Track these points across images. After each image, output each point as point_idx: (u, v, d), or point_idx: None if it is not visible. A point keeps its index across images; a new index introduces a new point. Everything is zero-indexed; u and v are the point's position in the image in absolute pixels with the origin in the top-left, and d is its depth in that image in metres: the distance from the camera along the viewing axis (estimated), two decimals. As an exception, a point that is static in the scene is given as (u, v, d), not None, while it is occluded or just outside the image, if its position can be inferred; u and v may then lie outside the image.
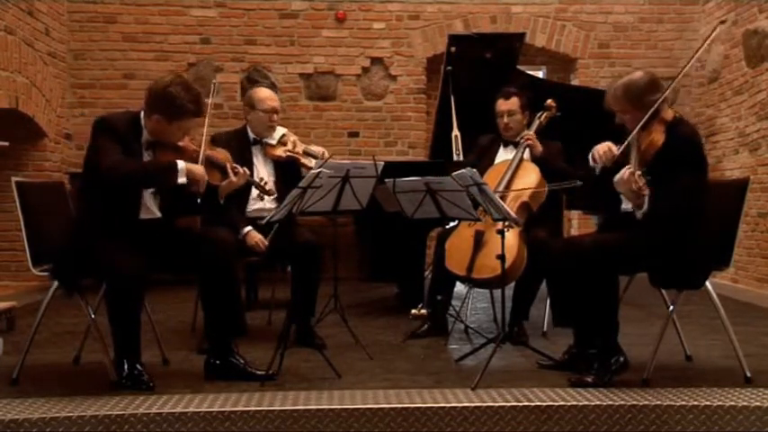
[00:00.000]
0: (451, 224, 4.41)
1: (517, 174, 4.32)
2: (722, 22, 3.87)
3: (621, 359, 3.36)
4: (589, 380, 3.32)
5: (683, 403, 3.07)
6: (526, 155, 4.43)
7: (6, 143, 5.64)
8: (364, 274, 6.93)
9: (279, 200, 4.24)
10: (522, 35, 5.98)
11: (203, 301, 3.52)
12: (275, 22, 7.47)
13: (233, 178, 3.66)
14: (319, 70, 7.53)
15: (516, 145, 4.49)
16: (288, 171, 4.31)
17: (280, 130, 4.41)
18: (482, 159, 4.58)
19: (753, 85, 6.39)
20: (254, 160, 4.32)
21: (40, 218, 3.56)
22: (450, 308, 4.54)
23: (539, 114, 4.58)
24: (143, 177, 3.39)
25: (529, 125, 4.55)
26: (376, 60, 7.57)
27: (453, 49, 5.29)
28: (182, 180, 3.35)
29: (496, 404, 3.05)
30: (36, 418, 2.90)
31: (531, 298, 4.35)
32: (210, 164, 3.66)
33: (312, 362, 3.75)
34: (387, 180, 3.85)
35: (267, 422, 2.98)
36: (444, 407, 3.05)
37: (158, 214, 3.55)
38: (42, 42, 6.54)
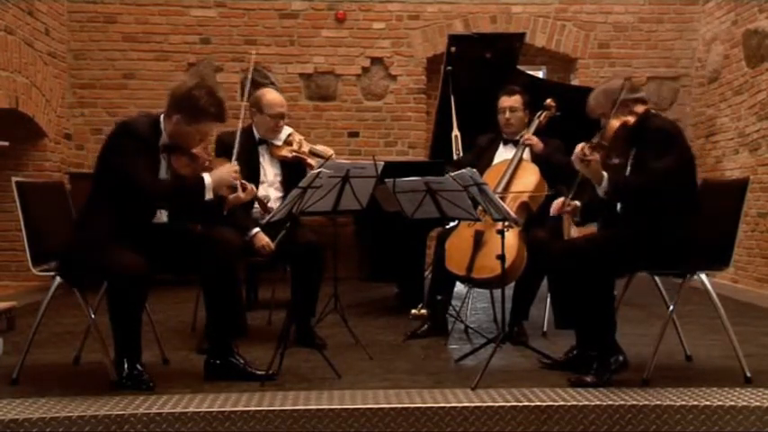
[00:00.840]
0: (451, 224, 4.41)
1: (516, 174, 4.32)
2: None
3: (621, 358, 3.37)
4: (588, 379, 3.32)
5: (683, 403, 3.07)
6: (526, 155, 4.43)
7: (6, 143, 5.64)
8: (364, 274, 6.92)
9: (284, 200, 4.24)
10: (522, 35, 5.98)
11: (206, 301, 3.51)
12: (275, 22, 7.48)
13: (241, 194, 3.63)
14: (319, 70, 7.54)
15: (516, 143, 4.50)
16: (294, 171, 4.31)
17: (285, 130, 4.41)
18: (481, 158, 4.58)
19: (753, 85, 6.39)
20: (261, 160, 4.32)
21: (39, 218, 3.55)
22: (450, 308, 4.54)
23: (538, 114, 4.59)
24: (173, 198, 3.42)
25: (528, 125, 4.55)
26: (376, 60, 7.57)
27: (453, 49, 5.29)
28: (209, 196, 3.36)
29: (496, 404, 3.05)
30: (36, 418, 2.90)
31: (531, 298, 4.36)
32: None
33: (312, 362, 3.75)
34: (387, 180, 3.85)
35: (267, 422, 2.98)
36: (444, 407, 3.05)
37: (165, 219, 3.56)
38: (42, 42, 6.54)
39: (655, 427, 3.04)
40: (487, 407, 3.04)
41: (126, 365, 3.32)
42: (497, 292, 4.15)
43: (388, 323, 4.94)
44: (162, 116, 3.49)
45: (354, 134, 7.59)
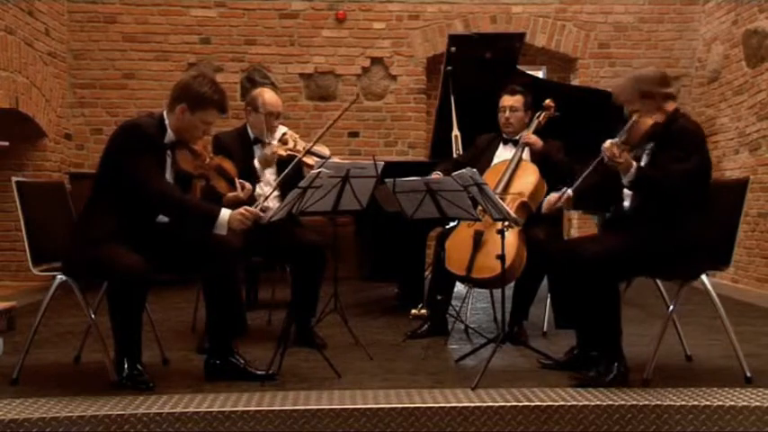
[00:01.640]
0: (451, 224, 4.41)
1: (516, 174, 4.32)
2: None
3: (622, 369, 3.36)
4: (592, 374, 3.33)
5: (683, 403, 3.06)
6: (525, 155, 4.43)
7: (6, 143, 5.65)
8: (364, 274, 6.93)
9: (282, 198, 4.24)
10: (522, 35, 5.98)
11: (206, 301, 3.51)
12: (275, 22, 7.48)
13: (240, 193, 3.65)
14: (319, 70, 7.54)
15: (515, 143, 4.50)
16: (289, 170, 4.30)
17: (280, 129, 4.41)
18: (480, 158, 4.58)
19: (753, 85, 6.39)
20: (256, 159, 4.32)
21: (40, 218, 3.55)
22: (450, 308, 4.54)
23: (537, 114, 4.59)
24: (181, 214, 3.44)
25: (528, 125, 4.56)
26: (376, 60, 7.57)
27: (453, 49, 5.29)
28: (219, 232, 3.37)
29: (496, 404, 3.05)
30: (36, 418, 2.90)
31: (531, 298, 4.35)
32: (220, 173, 3.68)
33: (312, 362, 3.75)
34: (387, 180, 3.85)
35: (267, 422, 2.98)
36: (444, 407, 3.05)
37: (166, 219, 3.56)
38: (42, 42, 6.54)
39: (655, 427, 3.04)
40: (487, 407, 3.04)
41: (126, 365, 3.32)
42: (497, 292, 4.15)
43: (388, 323, 4.94)
44: (165, 113, 3.51)
45: (354, 134, 7.59)
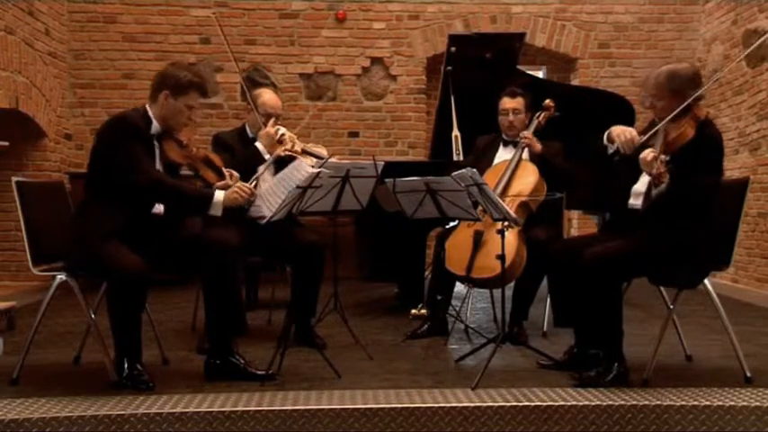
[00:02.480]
0: (451, 224, 4.41)
1: (516, 174, 4.32)
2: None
3: (623, 369, 3.36)
4: (592, 374, 3.33)
5: (683, 403, 3.07)
6: (525, 155, 4.43)
7: (6, 143, 5.64)
8: (364, 274, 6.93)
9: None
10: (522, 35, 5.98)
11: (205, 301, 3.52)
12: (275, 22, 7.48)
13: (229, 181, 3.67)
14: (319, 70, 7.54)
15: (516, 144, 4.50)
16: None
17: (279, 130, 4.40)
18: (481, 159, 4.58)
19: (753, 85, 6.39)
20: (271, 158, 4.31)
21: (40, 218, 3.56)
22: (450, 308, 4.54)
23: (537, 114, 4.59)
24: (175, 199, 3.49)
25: (528, 125, 4.56)
26: (376, 60, 7.57)
27: (453, 49, 5.29)
28: (214, 212, 3.46)
29: (496, 404, 3.05)
30: (36, 418, 2.90)
31: (531, 298, 4.35)
32: (207, 163, 3.73)
33: (312, 362, 3.75)
34: (387, 180, 3.85)
35: (267, 422, 2.98)
36: (444, 407, 3.05)
37: (161, 210, 3.58)
38: (42, 42, 6.54)
39: (655, 427, 3.04)
40: (487, 407, 3.04)
41: (126, 365, 3.32)
42: (497, 292, 4.15)
43: (388, 323, 4.94)
44: (147, 105, 3.56)
45: (354, 134, 7.59)
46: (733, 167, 6.61)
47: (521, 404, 3.06)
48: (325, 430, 3.00)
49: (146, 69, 7.28)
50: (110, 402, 3.06)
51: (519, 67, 5.43)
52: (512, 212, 3.68)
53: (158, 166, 3.56)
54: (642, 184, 3.47)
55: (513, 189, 4.24)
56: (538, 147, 4.40)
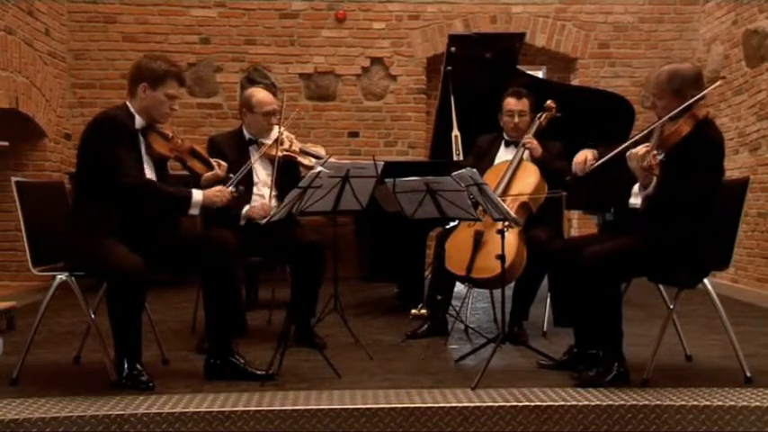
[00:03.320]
0: (451, 224, 4.41)
1: (516, 175, 4.32)
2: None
3: (623, 369, 3.36)
4: (592, 374, 3.33)
5: (683, 403, 3.07)
6: (526, 155, 4.43)
7: (6, 143, 5.64)
8: (364, 274, 6.92)
9: (280, 198, 4.24)
10: (522, 35, 5.97)
11: (205, 302, 3.52)
12: (275, 22, 7.48)
13: (218, 170, 3.71)
14: (319, 70, 7.54)
15: (517, 144, 4.50)
16: (285, 170, 4.31)
17: (276, 130, 4.40)
18: (482, 159, 4.58)
19: (753, 85, 6.39)
20: (252, 160, 4.31)
21: (40, 218, 3.56)
22: (450, 308, 4.54)
23: (538, 115, 4.59)
24: (154, 200, 3.46)
25: (529, 126, 4.55)
26: (376, 60, 7.57)
27: (453, 49, 5.29)
28: (193, 212, 3.48)
29: (496, 404, 3.05)
30: (36, 418, 2.90)
31: (531, 298, 4.35)
32: (194, 154, 3.75)
33: (312, 362, 3.75)
34: (387, 180, 3.85)
35: (267, 422, 2.98)
36: (444, 407, 3.05)
37: None
38: (42, 42, 6.54)
39: (655, 427, 3.04)
40: (487, 407, 3.04)
41: (126, 365, 3.32)
42: (497, 292, 4.15)
43: (388, 323, 4.94)
44: (127, 102, 3.56)
45: (354, 134, 7.59)
46: (733, 167, 6.61)
47: (521, 404, 3.06)
48: (325, 430, 3.00)
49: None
50: (110, 402, 3.06)
51: (519, 67, 5.43)
52: (512, 213, 3.68)
53: (145, 160, 3.55)
54: (634, 198, 3.48)
55: (514, 189, 4.24)
56: (539, 151, 4.40)
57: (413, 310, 4.83)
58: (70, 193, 4.06)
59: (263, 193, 4.29)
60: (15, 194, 3.50)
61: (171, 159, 3.70)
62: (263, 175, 4.32)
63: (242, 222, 4.07)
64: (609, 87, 6.58)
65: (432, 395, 3.20)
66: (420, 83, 7.62)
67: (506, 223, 3.62)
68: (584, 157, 3.56)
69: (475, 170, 3.54)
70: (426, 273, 5.20)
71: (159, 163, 3.64)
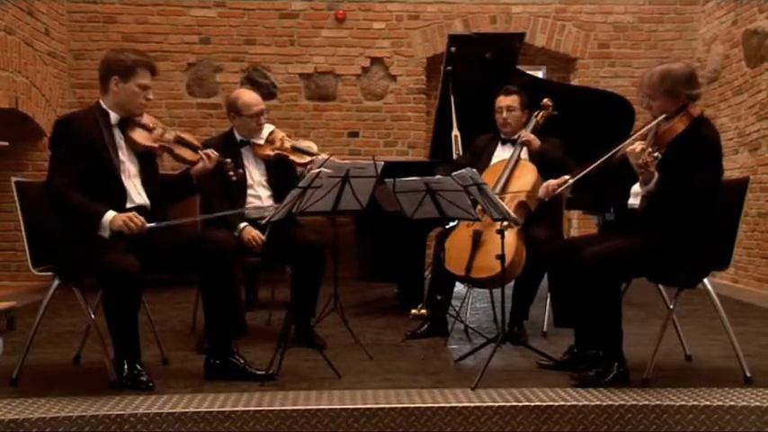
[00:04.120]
0: (451, 224, 4.41)
1: (514, 174, 4.32)
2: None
3: (623, 369, 3.36)
4: (592, 374, 3.33)
5: (683, 403, 3.07)
6: (524, 154, 4.44)
7: (6, 143, 5.64)
8: (364, 274, 6.93)
9: (275, 198, 4.24)
10: (522, 35, 5.98)
11: (204, 302, 3.52)
12: (275, 22, 7.48)
13: (207, 162, 3.65)
14: (319, 70, 7.54)
15: (514, 143, 4.50)
16: (279, 169, 4.32)
17: (267, 128, 4.39)
18: (479, 158, 4.58)
19: (753, 85, 6.39)
20: (245, 162, 4.30)
21: (40, 218, 3.55)
22: (450, 308, 4.54)
23: (535, 114, 4.60)
24: (73, 213, 3.34)
25: (526, 125, 4.56)
26: (376, 60, 7.57)
27: (453, 49, 5.29)
28: (103, 234, 3.31)
29: (496, 404, 3.05)
30: (36, 418, 2.90)
31: (531, 297, 4.35)
32: (181, 142, 3.67)
33: (312, 362, 3.75)
34: (387, 180, 3.85)
35: (267, 422, 2.98)
36: (444, 407, 3.05)
37: (146, 201, 3.53)
38: (42, 42, 6.54)
39: (655, 427, 3.04)
40: (487, 407, 3.04)
41: (126, 365, 3.32)
42: (497, 292, 4.15)
43: (388, 323, 4.94)
44: (100, 99, 3.54)
45: (354, 134, 7.59)
46: (733, 167, 6.61)
47: (521, 404, 3.05)
48: (325, 430, 3.00)
49: (146, 69, 7.26)
50: (110, 402, 3.06)
51: (519, 67, 5.43)
52: (511, 212, 3.68)
53: (127, 155, 3.51)
54: (633, 198, 3.49)
55: (512, 188, 4.24)
56: (537, 143, 4.41)
57: (413, 310, 4.84)
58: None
59: (259, 194, 4.29)
60: (15, 194, 3.50)
61: (158, 151, 3.64)
62: (256, 175, 4.32)
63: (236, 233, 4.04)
64: (609, 87, 6.58)
65: (432, 395, 3.20)
66: (420, 83, 7.62)
67: (506, 223, 3.62)
68: (549, 183, 3.60)
69: (474, 170, 3.54)
70: (426, 273, 5.20)
71: (145, 157, 3.58)
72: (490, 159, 4.57)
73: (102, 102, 3.54)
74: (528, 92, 4.62)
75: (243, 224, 4.07)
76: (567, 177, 3.57)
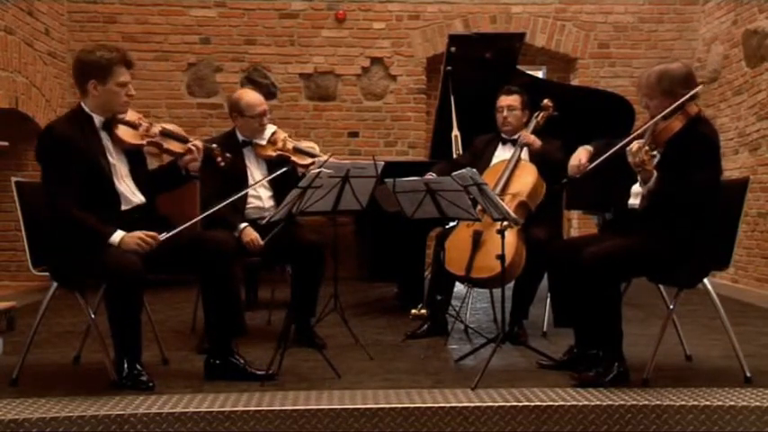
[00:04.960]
0: (451, 224, 4.41)
1: (514, 174, 4.32)
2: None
3: (623, 369, 3.36)
4: (592, 374, 3.33)
5: (683, 403, 3.07)
6: (524, 155, 4.44)
7: (6, 143, 5.64)
8: (364, 274, 6.93)
9: (275, 198, 4.24)
10: (522, 35, 5.98)
11: (204, 302, 3.51)
12: (275, 22, 7.48)
13: (195, 154, 3.57)
14: (319, 70, 7.54)
15: (514, 143, 4.50)
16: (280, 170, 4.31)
17: (269, 129, 4.39)
18: (479, 159, 4.58)
19: (753, 85, 6.39)
20: (247, 162, 4.30)
21: (40, 218, 3.54)
22: (450, 308, 4.54)
23: (536, 114, 4.60)
24: (77, 230, 3.29)
25: (526, 125, 4.56)
26: (376, 60, 7.57)
27: (453, 49, 5.29)
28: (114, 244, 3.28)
29: (496, 404, 3.05)
30: (36, 418, 2.90)
31: (531, 297, 4.35)
32: (167, 135, 3.60)
33: (312, 362, 3.75)
34: (387, 180, 3.85)
35: (267, 422, 2.98)
36: (444, 407, 3.05)
37: (141, 199, 3.51)
38: (42, 42, 6.54)
39: (655, 427, 3.04)
40: (487, 407, 3.04)
41: (126, 365, 3.32)
42: (497, 292, 4.15)
43: (388, 323, 4.94)
44: (81, 102, 3.46)
45: (354, 134, 7.59)
46: (733, 167, 6.61)
47: (521, 404, 3.05)
48: (325, 430, 3.00)
49: (146, 69, 7.28)
50: (110, 402, 3.06)
51: (519, 67, 5.43)
52: (511, 212, 3.68)
53: (115, 156, 3.46)
54: (634, 198, 3.49)
55: (512, 189, 4.24)
56: (538, 143, 4.41)
57: (413, 310, 4.83)
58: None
59: (260, 194, 4.29)
60: (15, 194, 3.50)
61: (146, 147, 3.58)
62: (258, 176, 4.32)
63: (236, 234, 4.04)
64: (609, 87, 6.58)
65: (432, 395, 3.20)
66: (420, 83, 7.62)
67: (505, 223, 3.62)
68: (578, 160, 3.57)
69: (475, 170, 3.54)
70: (426, 273, 5.20)
71: (133, 155, 3.54)
72: (490, 160, 4.57)
73: (83, 105, 3.45)
74: (528, 92, 4.62)
75: (243, 225, 4.08)
76: (588, 149, 3.55)
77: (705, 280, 3.46)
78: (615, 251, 3.33)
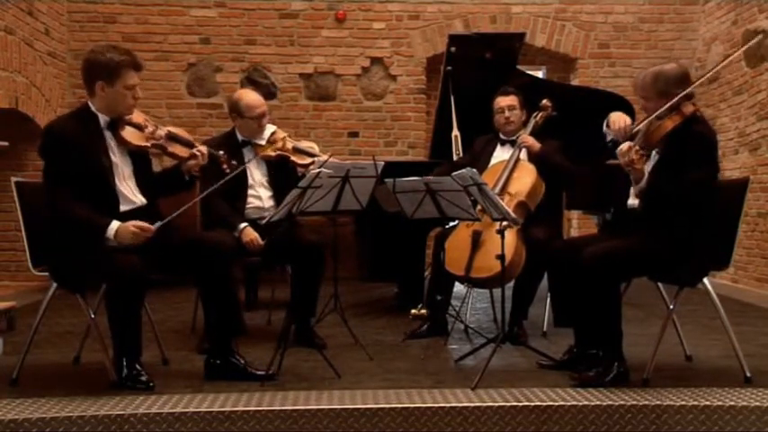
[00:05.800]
0: (451, 224, 4.41)
1: (513, 174, 4.32)
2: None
3: (622, 369, 3.36)
4: (592, 374, 3.33)
5: (683, 403, 3.07)
6: (523, 155, 4.44)
7: (6, 143, 5.64)
8: (364, 274, 6.92)
9: (275, 198, 4.24)
10: (522, 35, 5.98)
11: (203, 302, 3.51)
12: (275, 22, 7.48)
13: (200, 160, 3.58)
14: (319, 70, 7.54)
15: (513, 144, 4.50)
16: (280, 169, 4.32)
17: (269, 129, 4.39)
18: (478, 160, 4.58)
19: (753, 85, 6.39)
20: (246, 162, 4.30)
21: (39, 218, 3.54)
22: (450, 308, 4.54)
23: (534, 114, 4.60)
24: (77, 229, 3.30)
25: (525, 125, 4.56)
26: (376, 60, 7.57)
27: (453, 49, 5.29)
28: (112, 243, 3.27)
29: (496, 404, 3.05)
30: (36, 418, 2.90)
31: (531, 297, 4.35)
32: (173, 138, 3.60)
33: (312, 362, 3.75)
34: (387, 180, 3.85)
35: (267, 422, 2.98)
36: (444, 407, 3.05)
37: (142, 201, 3.50)
38: (42, 42, 6.54)
39: (655, 427, 3.04)
40: (487, 407, 3.04)
41: (126, 365, 3.32)
42: (497, 292, 4.15)
43: (388, 323, 4.94)
44: (88, 102, 3.45)
45: (354, 134, 7.59)
46: (733, 167, 6.61)
47: (521, 404, 3.06)
48: (325, 430, 3.00)
49: (146, 69, 7.16)
50: (110, 402, 3.06)
51: (519, 67, 5.43)
52: (511, 212, 3.68)
53: (119, 156, 3.45)
54: (632, 198, 3.49)
55: (511, 189, 4.25)
56: (537, 146, 4.41)
57: (413, 310, 4.83)
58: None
59: (260, 194, 4.29)
60: (15, 194, 3.50)
61: (151, 150, 3.56)
62: (258, 175, 4.32)
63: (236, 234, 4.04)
64: (609, 87, 6.57)
65: (432, 395, 3.20)
66: (420, 83, 7.62)
67: (505, 223, 3.62)
68: (624, 122, 3.51)
69: (474, 170, 3.54)
70: (426, 273, 5.20)
71: (137, 156, 3.53)
72: (489, 160, 4.57)
73: (90, 104, 3.45)
74: (528, 92, 4.62)
75: (243, 224, 4.08)
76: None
77: (705, 280, 3.46)
78: (615, 251, 3.33)
